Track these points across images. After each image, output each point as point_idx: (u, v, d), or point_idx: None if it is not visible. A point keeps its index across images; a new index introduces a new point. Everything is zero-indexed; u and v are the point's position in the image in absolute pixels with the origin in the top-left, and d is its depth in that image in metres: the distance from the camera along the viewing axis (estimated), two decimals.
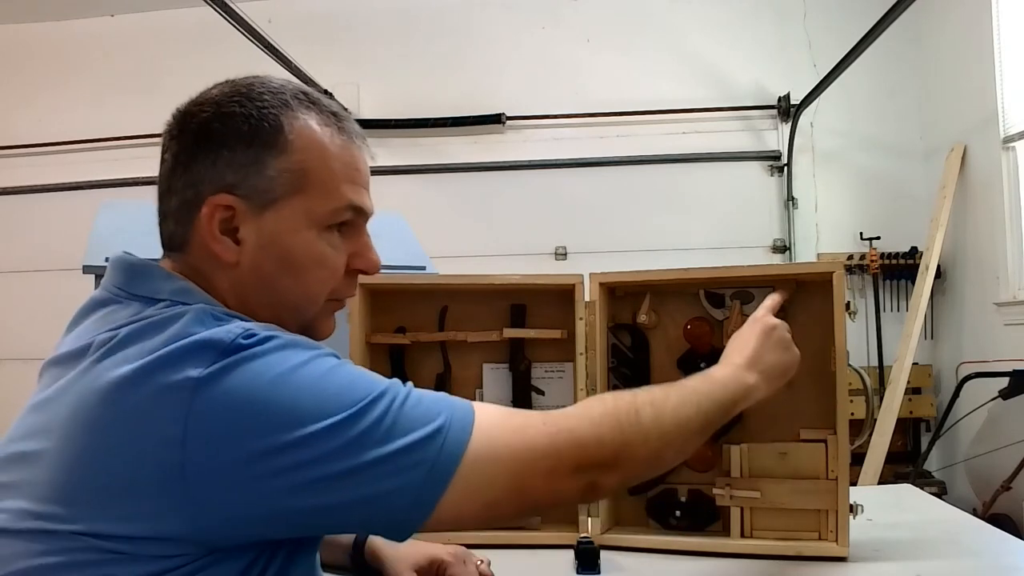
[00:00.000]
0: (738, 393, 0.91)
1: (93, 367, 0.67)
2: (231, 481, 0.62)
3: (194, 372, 0.63)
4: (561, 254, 4.33)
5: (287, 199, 0.76)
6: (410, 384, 0.72)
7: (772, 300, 1.09)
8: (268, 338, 0.67)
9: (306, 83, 4.32)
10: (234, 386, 0.63)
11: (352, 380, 0.68)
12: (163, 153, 0.79)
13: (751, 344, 0.97)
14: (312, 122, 0.78)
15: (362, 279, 1.30)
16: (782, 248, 4.24)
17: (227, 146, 0.75)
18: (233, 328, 0.67)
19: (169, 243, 0.79)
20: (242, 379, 0.64)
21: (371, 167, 0.84)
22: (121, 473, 0.63)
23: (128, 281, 0.75)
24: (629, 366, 1.32)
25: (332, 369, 0.69)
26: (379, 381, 0.70)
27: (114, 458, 0.63)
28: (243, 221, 0.75)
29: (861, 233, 4.14)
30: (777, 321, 1.02)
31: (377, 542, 1.03)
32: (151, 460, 0.62)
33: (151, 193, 0.80)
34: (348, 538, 1.03)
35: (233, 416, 0.63)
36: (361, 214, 0.81)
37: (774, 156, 4.29)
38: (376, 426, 0.65)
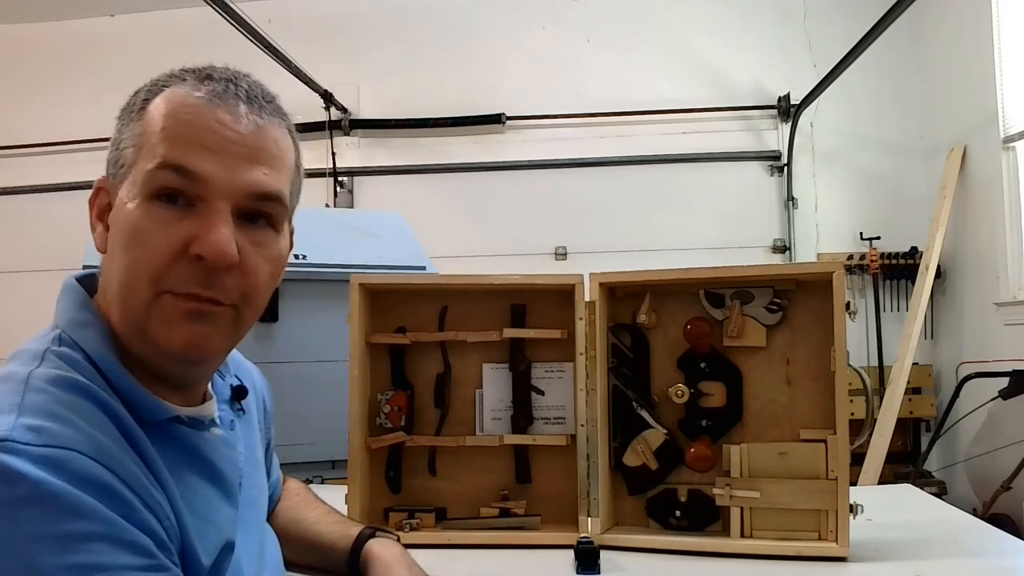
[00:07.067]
0: None
1: None
2: None
3: None
4: (561, 254, 4.33)
5: (132, 170, 0.68)
6: None
7: None
8: (29, 480, 0.54)
9: (306, 83, 4.29)
10: None
11: None
12: None
13: None
14: (176, 88, 0.69)
15: (361, 278, 1.31)
16: (782, 248, 4.24)
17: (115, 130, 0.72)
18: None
19: None
20: None
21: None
22: None
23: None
24: (629, 366, 1.32)
25: (65, 569, 0.53)
26: None
27: None
28: (113, 204, 0.69)
29: (861, 233, 4.14)
30: None
31: (373, 550, 0.97)
32: None
33: None
34: (346, 543, 0.99)
35: None
36: (193, 179, 0.66)
37: (774, 156, 4.29)
38: None
